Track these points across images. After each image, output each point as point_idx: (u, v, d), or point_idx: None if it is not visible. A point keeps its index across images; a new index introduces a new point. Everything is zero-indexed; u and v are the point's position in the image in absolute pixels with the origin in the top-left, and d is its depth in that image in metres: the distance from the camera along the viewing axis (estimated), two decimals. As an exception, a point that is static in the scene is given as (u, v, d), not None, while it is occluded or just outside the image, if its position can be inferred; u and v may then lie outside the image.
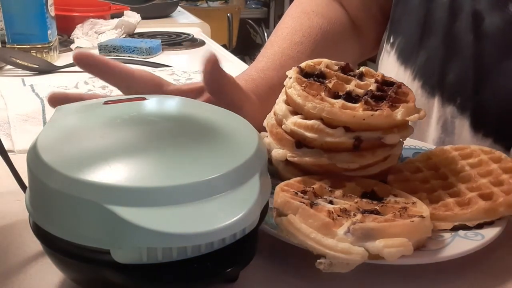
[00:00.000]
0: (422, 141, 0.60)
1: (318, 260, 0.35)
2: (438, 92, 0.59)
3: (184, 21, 1.66)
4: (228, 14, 3.33)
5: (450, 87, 0.58)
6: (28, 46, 0.99)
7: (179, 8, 1.79)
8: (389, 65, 0.67)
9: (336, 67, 0.51)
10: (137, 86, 0.52)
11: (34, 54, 0.99)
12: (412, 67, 0.62)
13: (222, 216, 0.30)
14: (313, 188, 0.42)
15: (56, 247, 0.32)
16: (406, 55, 0.64)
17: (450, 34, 0.58)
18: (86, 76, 0.89)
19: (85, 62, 0.52)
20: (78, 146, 0.35)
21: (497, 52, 0.55)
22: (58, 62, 1.01)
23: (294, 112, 0.47)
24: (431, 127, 0.61)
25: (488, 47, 0.55)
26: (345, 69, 0.50)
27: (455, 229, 0.40)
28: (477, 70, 0.55)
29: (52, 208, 0.32)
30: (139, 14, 1.33)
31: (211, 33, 1.57)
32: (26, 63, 0.94)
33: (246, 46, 3.59)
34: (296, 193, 0.40)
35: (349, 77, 0.49)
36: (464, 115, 0.57)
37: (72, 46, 1.15)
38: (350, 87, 0.47)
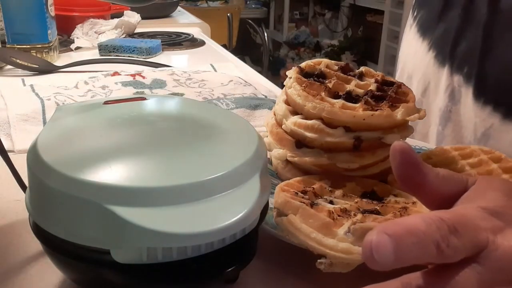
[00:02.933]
0: (430, 111, 0.62)
1: (319, 260, 0.35)
2: (449, 62, 0.61)
3: (184, 21, 1.66)
4: (228, 14, 3.33)
5: (460, 56, 0.60)
6: (28, 46, 0.99)
7: (179, 8, 1.79)
8: (409, 39, 0.70)
9: (336, 67, 0.51)
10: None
11: (34, 54, 0.99)
12: (429, 38, 0.65)
13: (222, 216, 0.30)
14: (313, 188, 0.42)
15: (56, 247, 0.32)
16: (425, 28, 0.67)
17: (468, 7, 0.60)
18: (86, 76, 0.89)
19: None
20: (78, 146, 0.35)
21: (506, 23, 0.56)
22: (58, 62, 1.01)
23: (294, 112, 0.47)
24: (439, 96, 0.63)
25: (500, 20, 0.56)
26: (345, 69, 0.50)
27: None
28: (485, 40, 0.57)
29: (52, 208, 0.32)
30: (139, 14, 1.33)
31: (211, 33, 1.57)
32: (26, 63, 0.94)
33: (246, 46, 3.59)
34: (296, 193, 0.40)
35: (349, 77, 0.49)
36: (469, 83, 0.58)
37: (72, 46, 1.15)
38: (350, 87, 0.47)
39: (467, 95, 0.58)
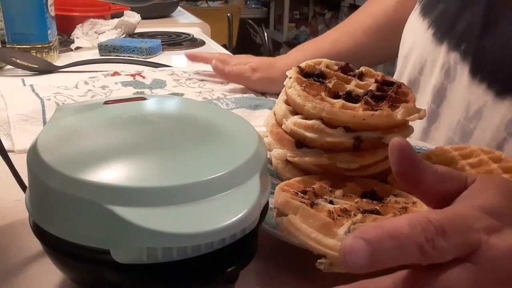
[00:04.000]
0: (425, 88, 0.63)
1: (319, 260, 0.35)
2: (446, 39, 0.61)
3: (184, 21, 1.66)
4: (228, 14, 3.33)
5: (458, 34, 0.60)
6: (28, 46, 0.99)
7: (179, 8, 1.79)
8: (411, 20, 0.71)
9: (336, 67, 0.51)
10: None
11: (34, 54, 0.99)
12: (429, 17, 0.66)
13: (222, 216, 0.30)
14: (313, 188, 0.42)
15: (56, 247, 0.32)
16: (427, 8, 0.67)
17: None
18: (86, 76, 0.89)
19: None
20: (78, 146, 0.35)
21: (508, 2, 0.56)
22: (58, 62, 1.01)
23: (294, 112, 0.47)
24: (434, 74, 0.63)
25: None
26: (345, 69, 0.50)
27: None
28: (486, 17, 0.57)
29: (52, 208, 0.32)
30: (139, 14, 1.33)
31: (211, 33, 1.57)
32: (26, 63, 0.94)
33: (246, 46, 3.59)
34: (296, 193, 0.40)
35: (349, 77, 0.49)
36: (466, 60, 0.58)
37: (72, 46, 1.15)
38: (350, 87, 0.47)
39: (462, 72, 0.59)
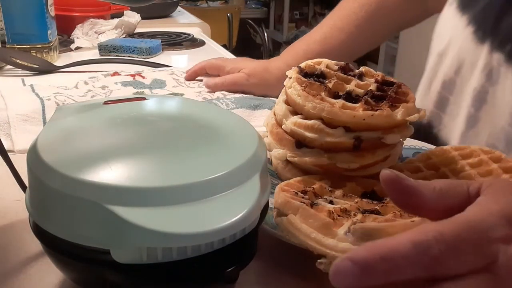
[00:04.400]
0: (462, 90, 0.58)
1: (319, 260, 0.35)
2: (489, 38, 0.57)
3: (184, 21, 1.66)
4: (228, 14, 3.33)
5: (503, 33, 0.56)
6: (28, 46, 0.99)
7: (179, 8, 1.79)
8: (446, 15, 0.66)
9: (336, 67, 0.51)
10: None
11: (34, 54, 0.99)
12: (468, 13, 0.61)
13: (222, 216, 0.30)
14: (313, 188, 0.42)
15: (56, 247, 0.32)
16: (466, 2, 0.62)
17: None
18: (86, 76, 0.89)
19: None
20: (78, 146, 0.35)
21: None
22: (58, 62, 1.01)
23: (294, 112, 0.47)
24: (474, 76, 0.59)
25: None
26: (345, 69, 0.50)
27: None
28: None
29: (52, 208, 0.32)
30: (139, 14, 1.33)
31: (211, 33, 1.57)
32: (26, 63, 0.94)
33: (246, 46, 3.59)
34: (296, 193, 0.40)
35: (349, 77, 0.49)
36: (511, 62, 0.54)
37: (72, 46, 1.15)
38: (350, 87, 0.47)
39: (506, 75, 0.54)
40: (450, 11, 0.66)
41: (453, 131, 0.62)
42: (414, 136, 0.61)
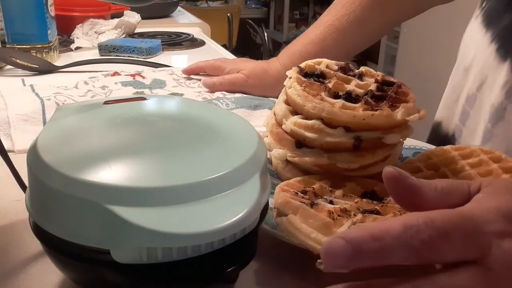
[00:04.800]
0: (481, 105, 0.59)
1: (319, 260, 0.35)
2: (511, 56, 0.58)
3: (184, 21, 1.66)
4: (228, 14, 3.33)
5: None
6: (28, 46, 0.99)
7: (179, 8, 1.79)
8: (472, 29, 0.67)
9: (336, 67, 0.51)
10: None
11: (34, 54, 0.99)
12: (493, 30, 0.61)
13: (222, 216, 0.30)
14: (313, 188, 0.42)
15: (56, 247, 0.32)
16: (491, 18, 0.63)
17: None
18: (86, 76, 0.89)
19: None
20: (78, 146, 0.35)
21: None
22: (58, 62, 1.01)
23: (294, 112, 0.47)
24: (493, 92, 0.59)
25: None
26: (345, 69, 0.50)
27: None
28: None
29: (52, 208, 0.32)
30: (139, 14, 1.33)
31: (211, 33, 1.57)
32: (26, 63, 0.94)
33: (246, 46, 3.59)
34: (296, 193, 0.40)
35: (349, 77, 0.49)
36: None
37: (72, 46, 1.15)
38: (350, 87, 0.47)
39: None
40: (475, 25, 0.66)
41: (471, 143, 0.63)
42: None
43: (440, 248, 0.25)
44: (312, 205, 0.38)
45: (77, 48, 1.16)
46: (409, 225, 0.25)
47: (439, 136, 0.70)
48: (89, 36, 1.21)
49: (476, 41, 0.65)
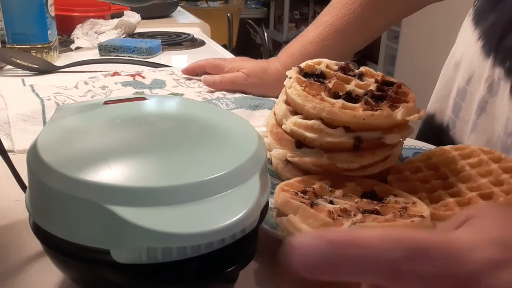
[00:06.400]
0: (471, 99, 0.63)
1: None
2: (493, 53, 0.60)
3: (184, 21, 1.66)
4: (228, 14, 3.33)
5: (505, 50, 0.59)
6: (28, 46, 0.99)
7: (179, 8, 1.79)
8: (465, 27, 0.70)
9: (336, 67, 0.51)
10: None
11: (34, 54, 0.99)
12: (480, 27, 0.64)
13: (222, 216, 0.30)
14: (313, 188, 0.42)
15: (56, 247, 0.32)
16: (480, 16, 0.66)
17: None
18: (86, 76, 0.89)
19: None
20: (78, 146, 0.35)
21: None
22: (58, 62, 1.01)
23: (294, 112, 0.47)
24: (480, 86, 0.62)
25: None
26: (345, 69, 0.50)
27: (455, 229, 0.40)
28: None
29: (52, 208, 0.32)
30: (139, 14, 1.33)
31: (211, 33, 1.57)
32: (26, 63, 0.94)
33: (246, 46, 3.59)
34: (296, 193, 0.40)
35: (349, 77, 0.49)
36: (509, 78, 0.58)
37: (72, 46, 1.15)
38: (350, 87, 0.47)
39: (505, 88, 0.58)
40: (467, 23, 0.69)
41: (463, 135, 0.66)
42: (434, 137, 0.66)
43: (417, 268, 0.22)
44: (312, 205, 0.38)
45: (77, 48, 1.16)
46: (389, 237, 0.23)
47: (434, 127, 0.72)
48: (89, 36, 1.21)
49: (466, 37, 0.68)
